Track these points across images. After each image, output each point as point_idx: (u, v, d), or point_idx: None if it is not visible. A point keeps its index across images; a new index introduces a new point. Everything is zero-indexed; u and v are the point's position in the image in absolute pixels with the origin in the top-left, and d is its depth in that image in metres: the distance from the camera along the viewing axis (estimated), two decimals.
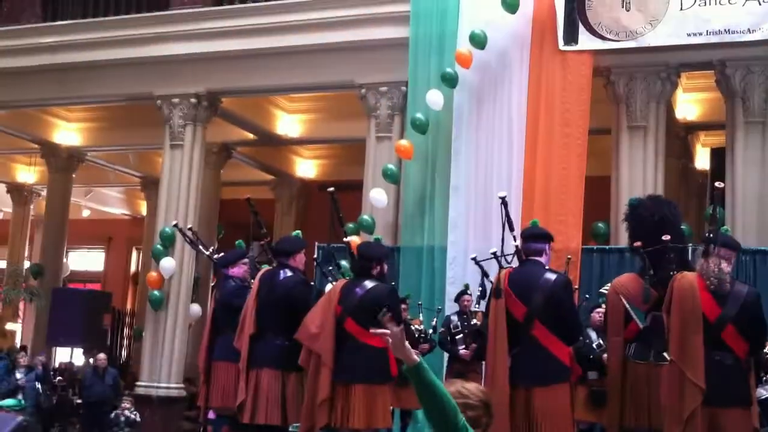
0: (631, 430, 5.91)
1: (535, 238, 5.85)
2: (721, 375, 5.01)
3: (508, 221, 6.03)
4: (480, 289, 6.40)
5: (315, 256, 9.15)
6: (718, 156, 11.71)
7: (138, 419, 11.33)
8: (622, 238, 9.51)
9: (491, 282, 6.22)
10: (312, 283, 6.86)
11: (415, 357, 2.93)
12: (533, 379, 5.47)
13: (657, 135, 10.54)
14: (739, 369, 5.14)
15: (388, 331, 2.95)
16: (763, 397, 7.06)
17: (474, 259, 6.66)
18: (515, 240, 5.92)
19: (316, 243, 10.09)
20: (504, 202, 6.15)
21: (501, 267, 6.09)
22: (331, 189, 6.78)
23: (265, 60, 11.82)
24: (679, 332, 5.11)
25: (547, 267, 5.78)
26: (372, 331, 3.11)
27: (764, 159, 10.04)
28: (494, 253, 6.33)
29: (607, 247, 10.14)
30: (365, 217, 10.38)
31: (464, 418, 2.94)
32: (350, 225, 9.83)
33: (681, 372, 5.03)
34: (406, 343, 2.95)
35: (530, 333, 5.50)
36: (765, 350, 7.86)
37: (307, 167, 16.74)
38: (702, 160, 13.67)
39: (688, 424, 4.92)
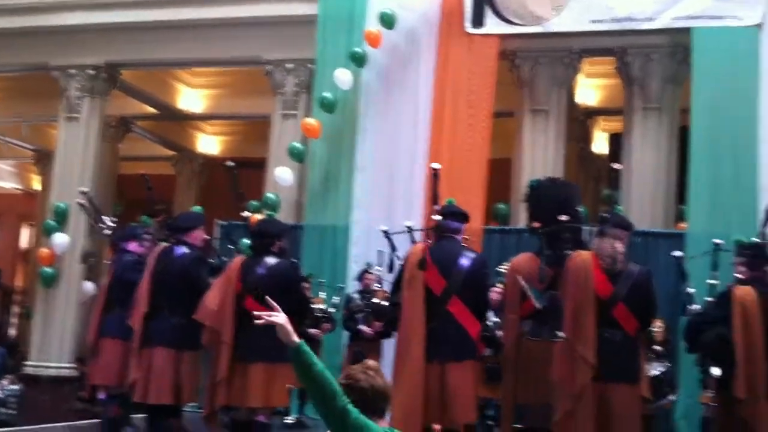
0: (524, 405, 6.04)
1: (454, 216, 5.91)
2: (611, 351, 5.15)
3: (434, 194, 6.04)
4: (389, 262, 6.40)
5: (215, 233, 8.99)
6: (616, 141, 12.07)
7: (19, 392, 10.99)
8: (521, 219, 9.70)
9: (398, 257, 6.23)
10: (211, 261, 6.72)
11: (296, 339, 3.03)
12: (448, 354, 5.53)
13: (558, 119, 10.76)
14: (629, 346, 5.29)
15: (274, 315, 3.09)
16: (653, 373, 7.31)
17: (385, 232, 6.66)
18: (435, 214, 5.95)
19: (217, 221, 9.93)
20: (435, 173, 6.17)
21: (414, 242, 6.11)
22: (231, 163, 6.66)
23: (168, 32, 11.52)
24: (572, 310, 5.23)
25: (464, 246, 5.85)
26: (256, 313, 3.20)
27: (659, 144, 10.38)
28: (409, 227, 6.36)
29: (507, 227, 10.33)
30: (269, 195, 10.26)
31: (348, 402, 2.97)
32: (254, 203, 9.70)
33: (573, 348, 5.15)
34: (290, 326, 3.05)
35: (446, 308, 5.56)
36: (653, 328, 8.23)
37: (209, 143, 16.42)
38: (600, 145, 14.05)
39: (578, 399, 5.05)
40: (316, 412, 3.06)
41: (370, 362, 3.27)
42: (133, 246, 7.20)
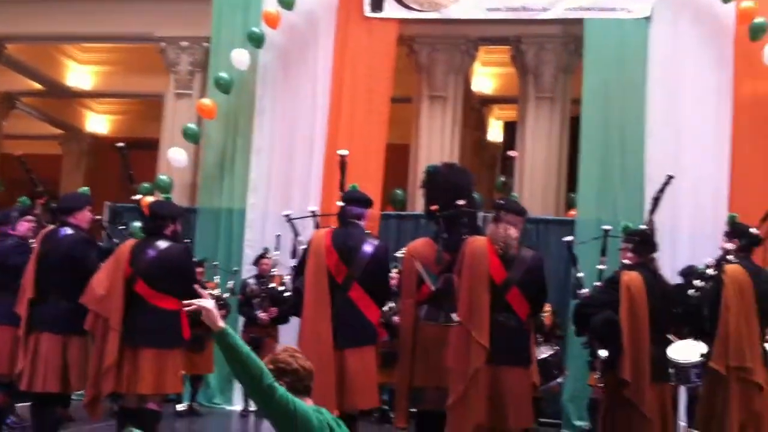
0: (419, 388, 6.08)
1: (356, 202, 5.88)
2: (504, 335, 5.22)
3: (341, 181, 6.00)
4: (292, 248, 6.33)
5: (103, 215, 8.70)
6: (510, 129, 12.31)
7: None
8: (418, 205, 9.78)
9: (301, 242, 6.17)
10: (100, 243, 6.48)
11: (221, 324, 3.15)
12: (348, 340, 5.52)
13: (455, 106, 10.89)
14: (521, 330, 5.38)
15: (202, 303, 3.20)
16: (542, 357, 7.49)
17: (287, 216, 6.57)
18: (339, 200, 5.91)
19: (106, 203, 9.60)
20: (343, 160, 6.10)
21: (317, 227, 6.05)
22: (121, 144, 6.43)
23: (55, 4, 11.07)
24: (467, 293, 5.27)
25: (367, 231, 5.82)
26: (186, 302, 3.29)
27: (551, 132, 10.65)
28: (313, 212, 6.30)
29: (404, 213, 10.39)
30: (162, 177, 9.99)
31: (273, 380, 3.15)
32: (145, 185, 9.43)
33: (467, 332, 5.20)
34: (215, 310, 3.18)
35: (347, 294, 5.53)
36: (542, 313, 8.44)
37: (99, 122, 15.87)
38: (495, 133, 14.31)
39: (472, 382, 5.11)
40: (245, 391, 3.22)
41: (289, 346, 3.52)
42: (16, 229, 6.86)
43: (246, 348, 3.14)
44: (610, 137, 9.54)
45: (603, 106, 9.62)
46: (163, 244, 5.69)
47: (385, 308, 8.62)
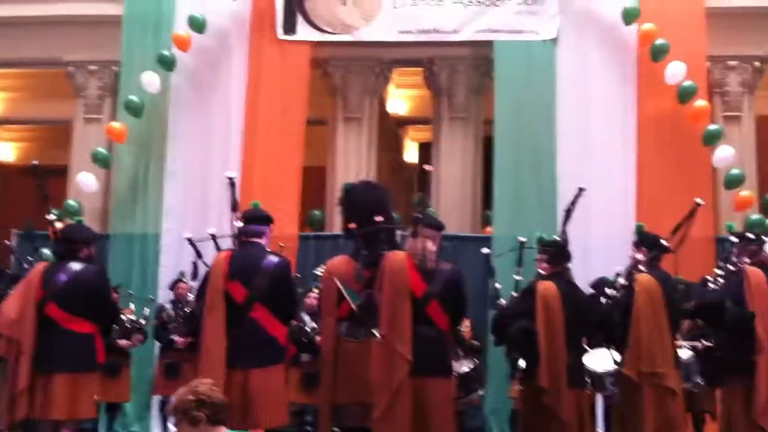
0: (342, 406, 6.05)
1: (255, 220, 5.78)
2: (425, 347, 5.25)
3: (233, 202, 5.91)
4: (193, 270, 6.22)
5: (10, 242, 8.42)
6: (425, 150, 12.47)
7: None
8: (336, 226, 9.79)
9: (205, 263, 6.06)
10: (7, 271, 6.28)
11: None
12: (251, 360, 5.42)
13: (370, 128, 10.99)
14: (442, 342, 5.44)
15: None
16: (462, 370, 7.57)
17: (189, 239, 6.46)
18: (236, 221, 5.81)
19: (14, 231, 9.31)
20: (231, 182, 6.02)
21: (219, 248, 5.96)
22: (35, 162, 6.25)
23: None
24: (388, 307, 5.30)
25: (268, 249, 5.75)
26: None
27: (465, 152, 10.85)
28: (212, 235, 6.19)
29: (322, 234, 10.39)
30: (70, 202, 9.74)
31: None
32: (55, 211, 9.17)
33: (390, 345, 5.22)
34: None
35: (249, 315, 5.44)
36: (461, 327, 8.54)
37: (5, 150, 15.34)
38: (411, 154, 14.46)
39: (395, 394, 5.12)
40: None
41: (204, 380, 3.63)
42: None
43: None
44: (522, 155, 9.79)
45: (514, 125, 9.87)
46: (76, 266, 5.55)
47: (308, 328, 8.63)
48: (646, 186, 9.37)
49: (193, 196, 9.81)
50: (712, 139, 9.57)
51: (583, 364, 5.97)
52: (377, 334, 5.60)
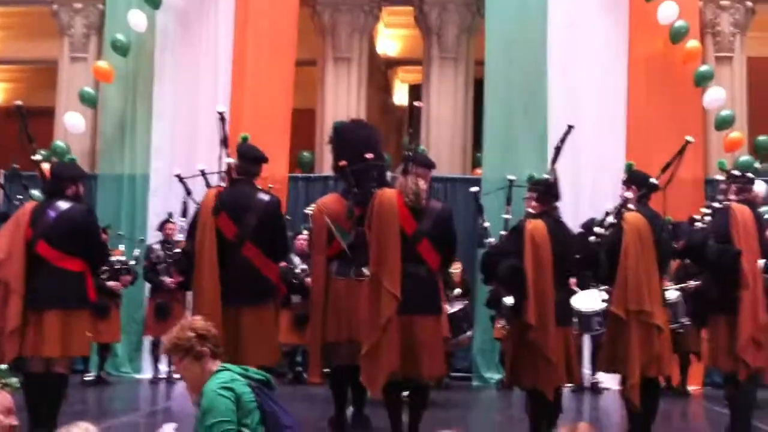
0: (332, 344, 6.11)
1: (250, 158, 5.73)
2: (415, 285, 5.28)
3: (224, 137, 5.85)
4: (183, 207, 6.18)
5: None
6: (416, 92, 12.37)
7: None
8: (326, 167, 9.76)
9: (194, 201, 6.03)
10: None
11: None
12: (243, 298, 5.44)
13: (360, 68, 10.88)
14: (431, 280, 5.47)
15: None
16: (452, 311, 7.63)
17: (178, 176, 6.43)
18: (228, 157, 5.76)
19: (1, 171, 9.25)
20: (222, 117, 5.96)
21: (209, 185, 5.93)
22: (19, 102, 6.16)
23: None
24: (378, 245, 5.31)
25: (258, 187, 5.72)
26: None
27: (456, 93, 10.78)
28: (202, 171, 6.15)
29: (312, 175, 10.38)
30: (59, 143, 9.66)
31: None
32: (42, 152, 9.09)
33: (379, 282, 5.24)
34: None
35: (241, 253, 5.43)
36: (450, 269, 8.58)
37: None
38: (401, 96, 14.35)
39: (384, 331, 5.16)
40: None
41: (195, 317, 3.66)
42: None
43: None
44: (513, 96, 9.74)
45: (505, 66, 9.79)
46: (64, 204, 5.50)
47: (297, 270, 8.66)
48: (636, 126, 9.36)
49: (180, 137, 9.75)
50: (703, 80, 9.53)
51: (569, 303, 6.01)
52: (367, 272, 5.64)
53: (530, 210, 5.83)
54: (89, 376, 8.84)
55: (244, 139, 6.08)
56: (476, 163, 10.76)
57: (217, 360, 3.37)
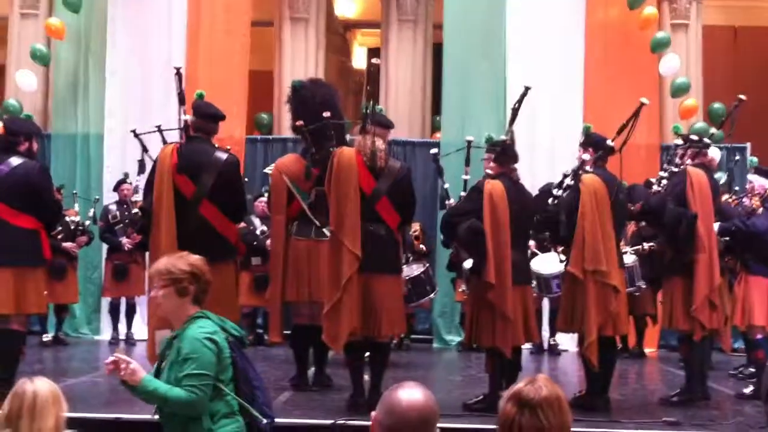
0: (293, 303, 6.11)
1: (206, 115, 5.63)
2: (374, 244, 5.29)
3: (180, 93, 5.73)
4: (139, 164, 6.07)
5: None
6: (374, 55, 12.27)
7: None
8: (284, 129, 9.68)
9: (151, 158, 5.93)
10: None
11: (140, 375, 3.08)
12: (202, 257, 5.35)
13: (318, 29, 10.78)
14: (391, 239, 5.47)
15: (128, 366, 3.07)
16: (413, 274, 7.67)
17: (134, 131, 6.31)
18: (185, 114, 5.65)
19: None
20: (178, 72, 5.84)
21: (165, 142, 5.83)
22: None
23: None
24: (337, 204, 5.30)
25: (216, 146, 5.63)
26: (108, 361, 3.10)
27: (415, 55, 10.74)
28: (159, 127, 6.04)
29: (270, 137, 10.30)
30: (11, 101, 9.44)
31: (203, 384, 3.12)
32: None
33: (339, 242, 5.24)
34: (134, 367, 3.08)
35: (198, 211, 5.35)
36: (411, 232, 8.60)
37: None
38: (359, 59, 14.25)
39: (345, 289, 5.16)
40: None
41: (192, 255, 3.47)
42: None
43: (165, 386, 3.12)
44: (472, 60, 9.71)
45: (464, 29, 9.75)
46: (16, 160, 5.37)
47: (257, 232, 8.61)
48: (593, 91, 9.42)
49: (134, 96, 9.54)
50: (659, 47, 9.61)
51: (527, 263, 6.08)
52: (327, 232, 5.62)
53: (488, 171, 5.86)
54: (47, 337, 8.74)
55: (200, 96, 5.95)
56: (435, 127, 10.76)
57: (196, 306, 3.28)
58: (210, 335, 3.17)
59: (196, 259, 3.34)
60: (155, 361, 3.47)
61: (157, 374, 3.24)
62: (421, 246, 8.90)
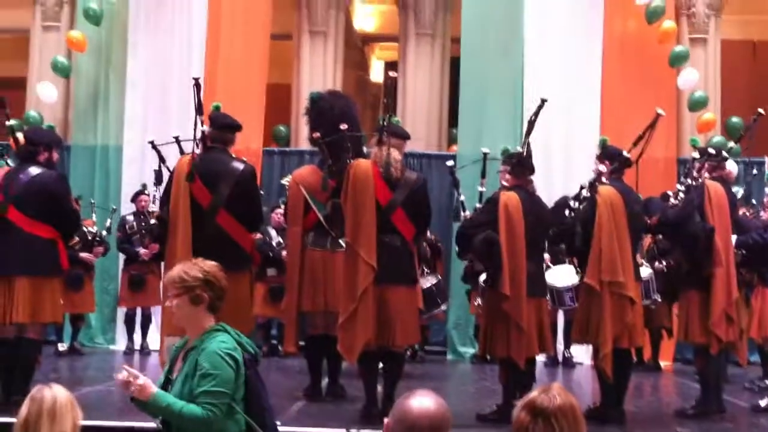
0: (308, 313, 6.12)
1: (222, 125, 5.68)
2: (390, 255, 5.31)
3: (198, 104, 5.79)
4: (156, 175, 6.13)
5: None
6: (391, 69, 12.32)
7: None
8: (301, 142, 9.73)
9: (168, 168, 5.99)
10: None
11: (150, 390, 2.99)
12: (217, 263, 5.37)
13: (336, 42, 10.84)
14: (406, 251, 5.48)
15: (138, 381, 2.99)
16: (426, 286, 7.66)
17: (152, 143, 6.37)
18: (203, 125, 5.70)
19: None
20: (197, 83, 5.90)
21: (182, 153, 5.89)
22: None
23: None
24: (353, 215, 5.32)
25: (233, 156, 5.68)
26: (119, 377, 3.02)
27: (432, 69, 10.78)
28: (176, 138, 6.10)
29: (287, 149, 10.36)
30: (32, 113, 9.55)
31: (217, 409, 3.01)
32: (14, 121, 8.98)
33: (355, 253, 5.25)
34: (144, 382, 2.99)
35: (215, 220, 5.39)
36: (425, 243, 8.59)
37: None
38: (377, 74, 14.30)
39: (360, 300, 5.17)
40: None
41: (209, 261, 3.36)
42: None
43: (180, 403, 3.01)
44: (489, 73, 9.72)
45: (481, 43, 9.77)
46: (35, 170, 5.43)
47: (273, 242, 8.65)
48: (610, 104, 9.40)
49: (153, 108, 9.63)
50: (677, 61, 9.59)
51: (542, 274, 6.06)
52: (343, 243, 5.64)
53: (504, 183, 5.87)
54: (63, 347, 8.79)
55: (216, 108, 6.02)
56: (452, 140, 10.78)
57: (212, 315, 3.17)
58: (231, 351, 3.06)
59: (210, 265, 3.23)
60: None
61: (166, 383, 3.16)
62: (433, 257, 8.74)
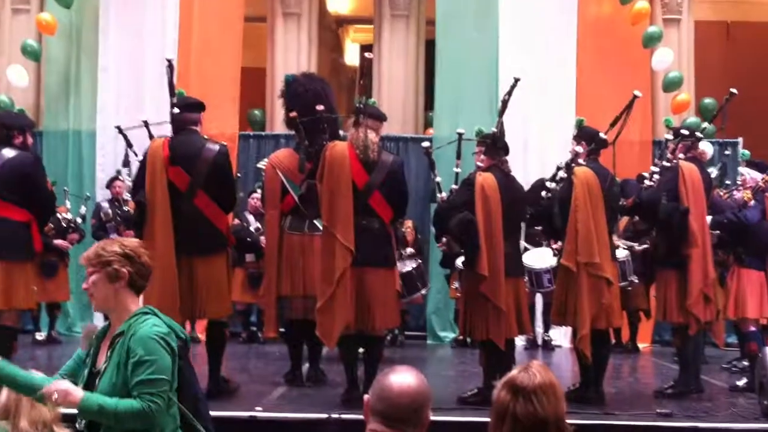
0: (287, 298, 6.08)
1: (189, 107, 5.63)
2: (368, 238, 5.29)
3: (171, 86, 5.72)
4: (124, 159, 6.06)
5: None
6: (366, 51, 12.25)
7: None
8: (277, 126, 9.67)
9: (135, 153, 5.92)
10: None
11: (76, 395, 2.64)
12: (194, 248, 5.35)
13: (310, 24, 10.75)
14: (384, 233, 5.46)
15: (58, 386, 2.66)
16: (405, 270, 7.64)
17: (118, 128, 6.30)
18: (174, 107, 5.64)
19: None
20: (170, 65, 5.83)
21: (152, 137, 5.82)
22: None
23: None
24: (330, 198, 5.28)
25: (205, 137, 5.63)
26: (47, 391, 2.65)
27: (407, 51, 10.72)
28: (145, 122, 6.02)
29: (263, 133, 10.29)
30: (2, 97, 9.38)
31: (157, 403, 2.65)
32: None
33: (332, 236, 5.22)
34: (66, 387, 2.66)
35: (193, 203, 5.36)
36: (404, 228, 8.58)
37: None
38: (351, 56, 14.22)
39: (339, 283, 5.15)
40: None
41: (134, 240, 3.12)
42: None
43: (112, 402, 2.64)
44: (464, 56, 9.69)
45: (456, 25, 9.73)
46: (10, 152, 5.36)
47: (251, 228, 8.59)
48: (585, 86, 9.41)
49: (126, 92, 9.49)
50: (651, 41, 9.61)
51: (519, 254, 6.07)
52: (320, 226, 5.61)
53: (479, 164, 5.85)
54: (41, 336, 8.69)
55: (180, 94, 6.03)
56: (428, 123, 10.75)
57: (137, 297, 2.84)
58: (164, 336, 2.72)
59: (131, 241, 2.94)
60: None
61: (90, 380, 2.77)
62: (408, 249, 8.69)
